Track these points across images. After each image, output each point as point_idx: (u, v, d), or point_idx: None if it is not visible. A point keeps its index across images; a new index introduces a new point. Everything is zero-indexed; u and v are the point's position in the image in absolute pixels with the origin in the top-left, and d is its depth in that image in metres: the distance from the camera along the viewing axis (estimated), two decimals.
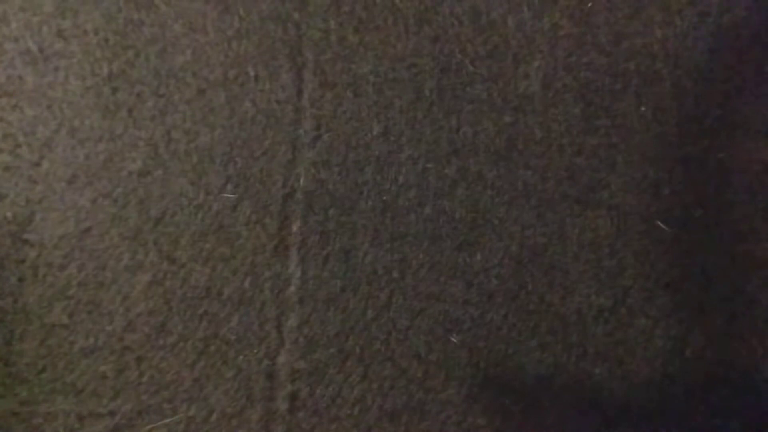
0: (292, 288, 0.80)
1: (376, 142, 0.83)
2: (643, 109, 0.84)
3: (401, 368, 0.79)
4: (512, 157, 0.83)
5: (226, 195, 0.81)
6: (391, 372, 0.79)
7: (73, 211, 0.80)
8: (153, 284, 0.79)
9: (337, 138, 0.83)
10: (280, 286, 0.80)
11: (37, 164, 0.80)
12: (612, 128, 0.83)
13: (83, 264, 0.79)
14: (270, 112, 0.83)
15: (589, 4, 0.85)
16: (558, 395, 0.79)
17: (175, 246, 0.80)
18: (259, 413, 0.78)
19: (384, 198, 0.82)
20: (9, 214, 0.79)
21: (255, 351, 0.79)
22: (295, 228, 0.81)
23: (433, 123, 0.83)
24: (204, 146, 0.82)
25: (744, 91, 0.84)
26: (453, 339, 0.80)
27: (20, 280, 0.79)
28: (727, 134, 0.83)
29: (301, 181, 0.82)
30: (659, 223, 0.82)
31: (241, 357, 0.79)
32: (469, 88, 0.84)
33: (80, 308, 0.79)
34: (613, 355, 0.80)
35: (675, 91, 0.84)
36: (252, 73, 0.83)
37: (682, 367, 0.80)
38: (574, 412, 0.80)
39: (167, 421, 0.78)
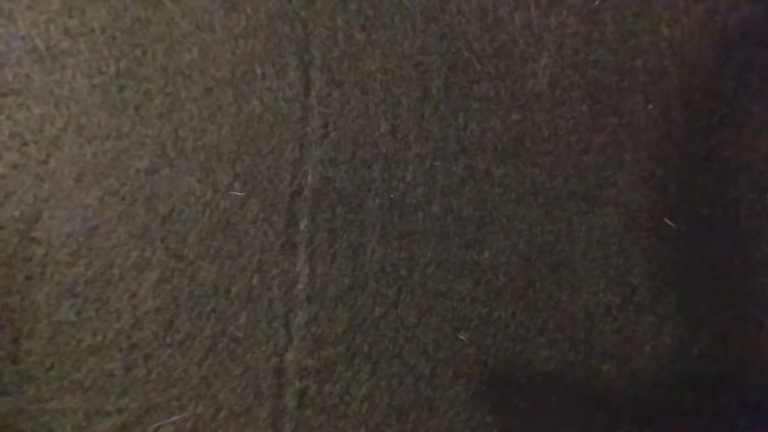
0: (300, 285, 0.80)
1: (383, 139, 0.83)
2: (650, 106, 0.84)
3: (409, 365, 0.79)
4: (520, 154, 0.83)
5: (233, 193, 0.81)
6: (399, 369, 0.79)
7: (81, 209, 0.80)
8: (160, 282, 0.79)
9: (345, 136, 0.83)
10: (287, 284, 0.80)
11: (45, 162, 0.80)
12: (619, 126, 0.83)
13: (91, 262, 0.79)
14: (277, 110, 0.83)
15: (596, 2, 0.85)
16: (566, 393, 0.79)
17: (182, 244, 0.80)
18: (267, 411, 0.78)
19: (391, 196, 0.82)
20: (16, 213, 0.79)
21: (263, 348, 0.79)
22: (302, 226, 0.81)
23: (440, 121, 0.83)
24: (211, 144, 0.82)
25: (751, 89, 0.84)
26: (461, 336, 0.80)
27: (28, 278, 0.79)
28: (735, 132, 0.83)
29: (309, 178, 0.82)
30: (667, 220, 0.82)
31: (249, 354, 0.79)
32: (476, 86, 0.84)
33: (88, 306, 0.79)
34: (620, 353, 0.80)
35: (682, 89, 0.84)
36: (259, 71, 0.83)
37: (690, 365, 0.80)
38: (582, 410, 0.80)
39: (175, 418, 0.78)
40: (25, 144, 0.81)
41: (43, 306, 0.78)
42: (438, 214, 0.81)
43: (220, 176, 0.81)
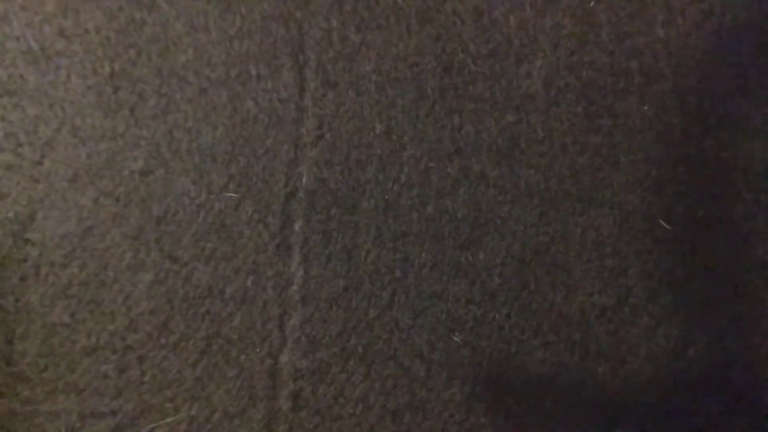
0: (295, 287, 0.80)
1: (378, 141, 0.83)
2: (645, 108, 0.84)
3: (404, 367, 0.79)
4: (515, 156, 0.83)
5: (228, 194, 0.81)
6: (394, 371, 0.79)
7: (75, 210, 0.80)
8: (155, 283, 0.79)
9: (339, 137, 0.83)
10: (282, 285, 0.80)
11: (39, 163, 0.80)
12: (614, 127, 0.83)
13: (85, 263, 0.79)
14: (272, 111, 0.83)
15: (591, 3, 0.85)
16: (560, 394, 0.79)
17: (177, 245, 0.80)
18: (262, 412, 0.78)
19: (386, 197, 0.82)
20: (10, 214, 0.79)
21: (257, 350, 0.79)
22: (297, 227, 0.81)
23: (435, 122, 0.83)
24: (206, 145, 0.82)
25: (746, 90, 0.84)
26: (455, 338, 0.80)
27: (22, 279, 0.79)
28: (729, 133, 0.83)
29: (303, 180, 0.82)
30: (662, 221, 0.82)
31: (243, 356, 0.79)
32: (471, 87, 0.84)
33: (82, 307, 0.78)
34: (615, 354, 0.80)
35: (677, 90, 0.84)
36: (254, 72, 0.83)
37: (685, 366, 0.80)
38: (577, 411, 0.80)
39: (169, 420, 0.78)
40: (20, 145, 0.81)
41: (37, 307, 0.78)
42: (433, 215, 0.81)
43: (215, 177, 0.81)
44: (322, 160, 0.82)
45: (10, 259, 0.79)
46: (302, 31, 0.84)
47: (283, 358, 0.79)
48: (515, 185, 0.82)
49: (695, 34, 0.85)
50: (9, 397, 0.77)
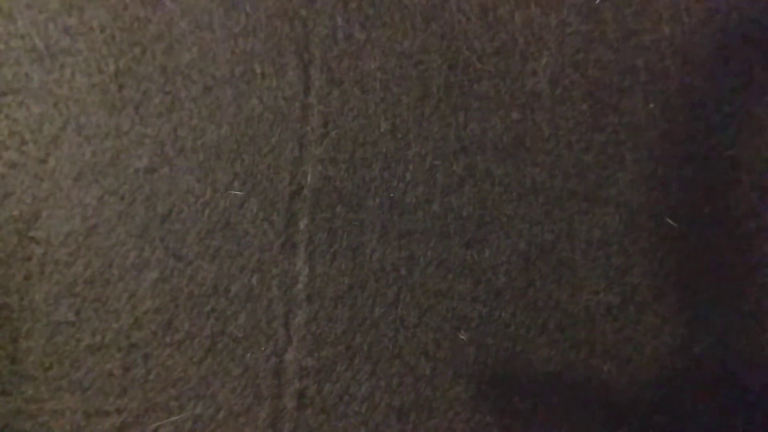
0: (300, 285, 0.80)
1: (383, 139, 0.82)
2: (651, 106, 0.83)
3: (409, 365, 0.79)
4: (520, 154, 0.83)
5: (233, 192, 0.81)
6: (399, 369, 0.79)
7: (80, 209, 0.80)
8: (160, 281, 0.79)
9: (345, 135, 0.83)
10: (287, 284, 0.80)
11: (44, 161, 0.80)
12: (620, 125, 0.83)
13: (90, 261, 0.79)
14: (277, 109, 0.83)
15: (597, 1, 0.85)
16: (566, 393, 0.79)
17: (181, 243, 0.80)
18: (267, 411, 0.78)
19: (391, 195, 0.81)
20: (15, 212, 0.79)
21: (262, 348, 0.79)
22: (302, 225, 0.81)
23: (440, 120, 0.83)
24: (211, 143, 0.82)
25: (752, 88, 0.84)
26: (461, 336, 0.80)
27: (26, 277, 0.79)
28: (735, 131, 0.83)
29: (309, 178, 0.82)
30: (668, 220, 0.81)
31: (248, 354, 0.79)
32: (476, 85, 0.84)
33: (87, 305, 0.78)
34: (621, 353, 0.80)
35: (683, 88, 0.84)
36: (259, 70, 0.83)
37: (691, 365, 0.80)
38: (582, 410, 0.79)
39: (174, 418, 0.78)
40: (24, 143, 0.81)
41: (41, 305, 0.78)
42: (438, 213, 0.81)
43: (220, 175, 0.81)
44: (327, 157, 0.82)
45: (14, 258, 0.79)
46: (307, 29, 0.84)
47: (289, 357, 0.79)
48: (520, 183, 0.82)
49: (701, 32, 0.85)
50: (14, 396, 0.77)
